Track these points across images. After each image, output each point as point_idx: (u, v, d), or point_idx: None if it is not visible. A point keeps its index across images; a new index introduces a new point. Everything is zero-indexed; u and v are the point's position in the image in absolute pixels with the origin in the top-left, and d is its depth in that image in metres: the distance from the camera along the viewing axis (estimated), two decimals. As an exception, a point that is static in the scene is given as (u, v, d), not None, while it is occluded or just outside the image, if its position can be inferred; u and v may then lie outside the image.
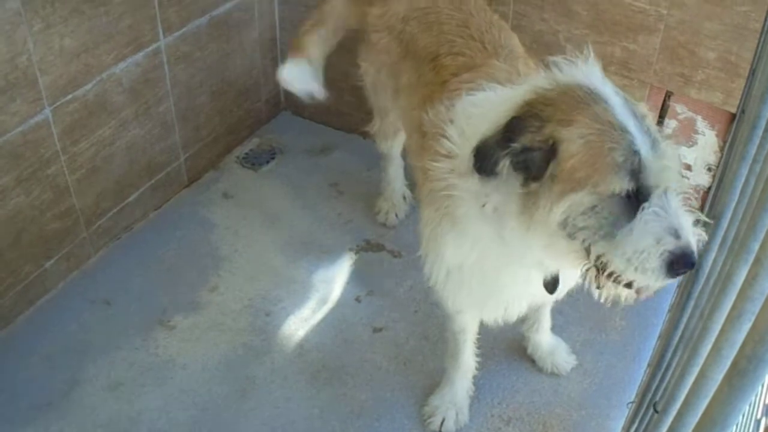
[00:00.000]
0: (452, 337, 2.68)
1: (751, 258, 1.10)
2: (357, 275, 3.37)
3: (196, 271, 3.34)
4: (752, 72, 2.67)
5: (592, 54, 1.96)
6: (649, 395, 2.03)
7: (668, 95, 3.19)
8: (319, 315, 3.18)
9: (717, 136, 3.18)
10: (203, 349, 3.02)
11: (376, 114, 3.24)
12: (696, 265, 1.80)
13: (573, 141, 1.76)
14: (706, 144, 3.22)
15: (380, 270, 3.39)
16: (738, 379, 0.90)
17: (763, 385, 1.50)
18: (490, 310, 2.44)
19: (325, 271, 3.38)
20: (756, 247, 1.10)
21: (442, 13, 2.66)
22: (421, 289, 3.23)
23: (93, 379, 2.89)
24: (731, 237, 1.73)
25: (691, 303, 2.04)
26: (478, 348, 2.76)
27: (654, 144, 1.76)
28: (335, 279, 3.35)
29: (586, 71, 1.89)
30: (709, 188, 3.28)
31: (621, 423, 2.72)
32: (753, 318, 0.95)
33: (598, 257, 1.84)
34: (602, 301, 1.96)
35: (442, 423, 2.76)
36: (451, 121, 2.11)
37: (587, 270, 1.92)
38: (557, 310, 2.97)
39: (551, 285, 2.16)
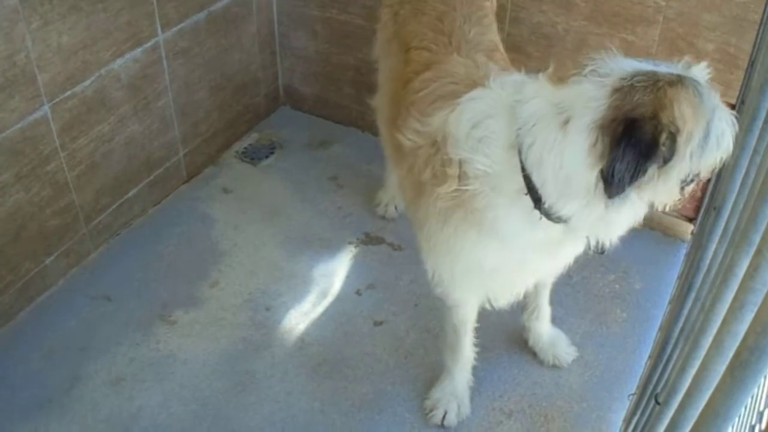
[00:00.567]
0: (452, 329, 2.68)
1: (752, 249, 1.10)
2: (357, 269, 3.37)
3: (196, 266, 3.34)
4: (751, 63, 2.67)
5: (612, 48, 1.99)
6: (651, 387, 2.03)
7: (667, 87, 3.18)
8: (320, 309, 3.18)
9: (716, 127, 3.18)
10: (204, 344, 3.02)
11: (378, 87, 3.22)
12: None
13: (683, 112, 1.82)
14: (706, 135, 3.21)
15: (380, 263, 3.39)
16: (740, 370, 0.90)
17: (765, 377, 1.50)
18: (503, 296, 2.49)
19: (325, 265, 3.38)
20: (757, 238, 1.10)
21: (429, 2, 2.67)
22: (422, 282, 3.22)
23: (93, 375, 2.89)
24: (732, 228, 1.73)
25: (692, 295, 2.05)
26: (478, 341, 2.76)
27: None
28: (335, 273, 3.35)
29: (623, 62, 1.92)
30: (709, 180, 3.28)
31: (622, 415, 2.72)
32: (755, 309, 0.95)
33: (691, 177, 1.95)
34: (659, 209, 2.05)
35: (444, 416, 2.76)
36: (456, 145, 2.08)
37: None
38: (558, 302, 2.97)
39: (601, 248, 2.18)
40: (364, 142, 3.99)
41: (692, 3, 2.96)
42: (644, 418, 1.85)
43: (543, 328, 2.95)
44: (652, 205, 1.99)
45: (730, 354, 1.00)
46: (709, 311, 1.36)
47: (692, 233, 3.32)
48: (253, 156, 3.97)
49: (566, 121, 1.88)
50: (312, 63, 4.08)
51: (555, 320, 2.99)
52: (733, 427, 1.56)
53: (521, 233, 2.09)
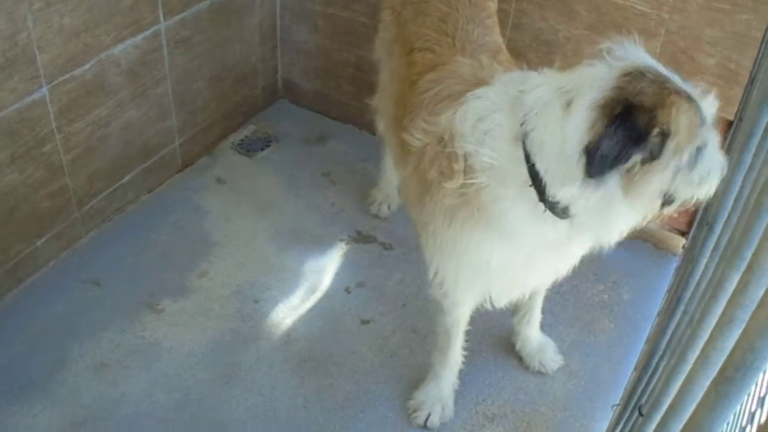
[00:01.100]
0: (444, 331, 2.67)
1: (743, 265, 1.10)
2: (347, 266, 3.37)
3: (186, 256, 3.34)
4: (751, 80, 2.67)
5: (634, 36, 2.03)
6: (635, 398, 2.03)
7: (666, 100, 3.18)
8: (308, 304, 3.18)
9: (713, 142, 3.18)
10: (190, 334, 3.02)
11: (379, 88, 3.23)
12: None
13: (679, 118, 1.85)
14: (702, 150, 3.22)
15: (371, 262, 3.39)
16: (725, 386, 0.90)
17: (749, 394, 1.50)
18: (505, 296, 2.50)
19: (316, 261, 3.38)
20: (749, 254, 1.10)
21: (431, 4, 2.67)
22: (411, 282, 3.23)
23: (78, 359, 2.88)
24: (723, 244, 1.73)
25: (681, 308, 2.05)
26: (465, 343, 2.76)
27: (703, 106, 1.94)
28: (325, 269, 3.35)
29: (638, 53, 1.98)
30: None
31: (605, 425, 2.72)
32: (743, 326, 0.95)
33: (669, 196, 1.98)
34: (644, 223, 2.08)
35: (427, 417, 2.76)
36: (462, 140, 2.09)
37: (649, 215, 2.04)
38: (547, 310, 2.97)
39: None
40: (361, 139, 3.99)
41: (695, 17, 2.96)
42: (627, 429, 1.85)
43: (532, 334, 2.96)
44: (638, 214, 2.00)
45: (716, 369, 1.00)
46: (697, 326, 1.36)
47: (684, 247, 3.32)
48: (248, 148, 3.97)
49: (569, 103, 1.90)
50: (312, 58, 4.08)
51: (543, 327, 3.00)
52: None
53: (527, 228, 2.09)
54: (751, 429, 1.50)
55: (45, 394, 2.76)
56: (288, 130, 4.12)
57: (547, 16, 3.26)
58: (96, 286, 3.16)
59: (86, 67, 3.00)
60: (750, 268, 0.94)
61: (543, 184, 1.95)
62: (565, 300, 3.23)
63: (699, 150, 1.91)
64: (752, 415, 1.53)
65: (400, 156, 2.53)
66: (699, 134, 1.88)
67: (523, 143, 1.96)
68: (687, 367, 1.31)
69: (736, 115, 2.91)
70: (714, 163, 1.95)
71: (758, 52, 2.74)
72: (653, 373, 1.99)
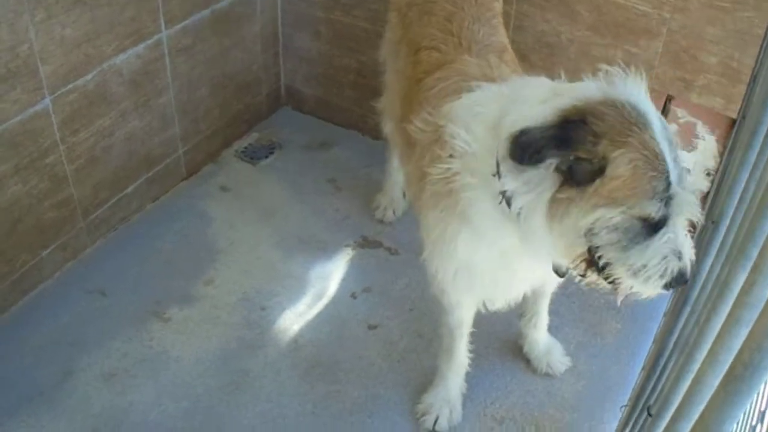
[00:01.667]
0: (448, 332, 2.67)
1: (750, 264, 1.10)
2: (353, 271, 3.37)
3: (192, 264, 3.34)
4: (754, 78, 2.67)
5: (641, 72, 1.98)
6: (643, 399, 2.03)
7: (669, 99, 3.19)
8: (314, 310, 3.18)
9: (717, 141, 3.18)
10: (197, 342, 3.02)
11: (385, 90, 3.23)
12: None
13: (623, 164, 1.81)
14: (706, 149, 3.22)
15: (377, 267, 3.39)
16: (734, 385, 0.90)
17: (758, 393, 1.50)
18: (497, 299, 2.49)
19: (322, 267, 3.38)
20: (755, 253, 1.10)
21: (437, 4, 2.68)
22: (417, 286, 3.23)
23: (86, 369, 2.89)
24: (729, 242, 1.73)
25: (688, 308, 2.05)
26: (472, 347, 2.76)
27: (681, 175, 1.85)
28: (331, 275, 3.35)
29: (635, 90, 1.92)
30: (708, 193, 3.28)
31: (614, 426, 2.72)
32: (750, 325, 0.95)
33: (606, 262, 1.93)
34: (584, 286, 2.09)
35: (435, 421, 2.76)
36: (451, 122, 2.11)
37: (581, 264, 2.00)
38: (553, 311, 2.97)
39: (562, 272, 2.19)
40: (364, 145, 3.99)
41: (696, 16, 2.96)
42: (636, 430, 1.85)
43: (539, 336, 2.95)
44: (558, 244, 1.99)
45: (724, 368, 0.99)
46: (704, 325, 1.36)
47: (689, 246, 3.31)
48: (252, 155, 3.97)
49: (545, 101, 1.92)
50: (314, 64, 4.08)
51: (550, 329, 2.99)
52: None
53: (492, 222, 2.08)
54: (761, 428, 1.49)
55: (53, 405, 2.76)
56: (291, 136, 4.12)
57: (549, 17, 3.26)
58: (102, 296, 3.16)
59: (88, 77, 3.00)
60: (756, 267, 0.94)
61: (500, 171, 1.96)
62: (571, 301, 3.22)
63: (647, 226, 1.86)
64: (762, 414, 1.52)
65: (405, 152, 2.53)
66: (646, 203, 1.83)
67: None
68: (695, 367, 1.31)
69: (739, 113, 2.91)
70: (665, 258, 1.89)
71: (760, 50, 2.74)
72: (661, 374, 1.99)
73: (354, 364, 2.98)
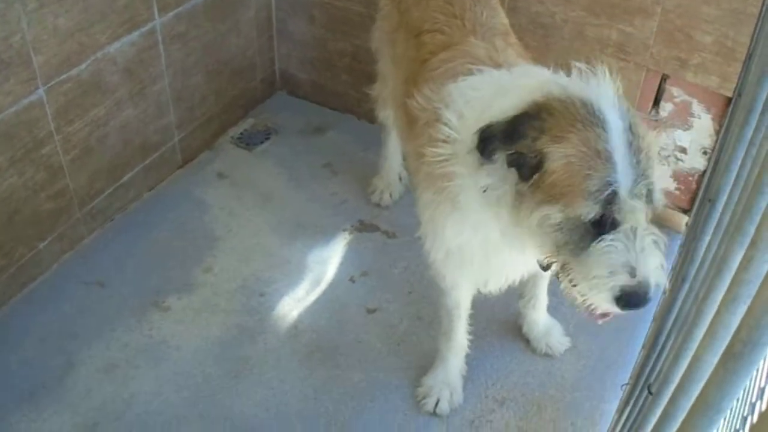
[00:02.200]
0: (446, 313, 2.68)
1: (747, 241, 1.10)
2: (351, 256, 3.37)
3: (190, 252, 3.34)
4: (749, 56, 2.66)
5: (611, 72, 1.98)
6: (644, 377, 2.03)
7: (664, 78, 3.18)
8: (313, 296, 3.18)
9: (713, 119, 3.18)
10: (197, 330, 3.02)
11: (378, 78, 3.23)
12: (647, 304, 1.92)
13: (557, 159, 1.83)
14: (702, 127, 3.22)
15: (374, 250, 3.39)
16: (733, 362, 0.90)
17: (758, 369, 1.50)
18: (489, 283, 2.49)
19: (319, 252, 3.38)
20: (752, 230, 1.10)
21: None
22: (415, 269, 3.23)
23: (87, 361, 2.89)
24: (726, 220, 1.73)
25: (686, 286, 2.05)
26: (472, 329, 2.77)
27: (636, 181, 1.81)
28: (329, 259, 3.35)
29: (599, 89, 1.91)
30: (704, 171, 3.28)
31: (615, 405, 2.72)
32: (748, 302, 0.95)
33: (564, 264, 1.96)
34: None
35: (436, 404, 2.77)
36: (447, 105, 2.12)
37: (555, 267, 2.03)
38: (551, 292, 2.97)
39: (543, 266, 2.19)
40: (360, 129, 3.99)
41: (690, -6, 2.95)
42: (637, 408, 1.85)
43: (538, 317, 2.96)
44: (522, 237, 2.01)
45: (723, 346, 1.00)
46: (703, 303, 1.36)
47: (687, 224, 3.32)
48: (248, 141, 3.97)
49: (521, 95, 1.95)
50: (309, 49, 4.07)
51: (549, 309, 2.99)
52: (725, 419, 1.57)
53: (478, 211, 2.09)
54: (761, 405, 1.50)
55: (55, 398, 2.76)
56: (287, 122, 4.11)
57: (543, -2, 3.25)
58: (101, 287, 3.16)
59: (82, 66, 2.99)
60: (754, 244, 0.94)
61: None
62: (571, 282, 3.22)
63: (593, 230, 1.86)
64: (762, 391, 1.53)
65: (406, 129, 2.53)
66: (579, 203, 1.82)
67: None
68: (694, 345, 1.31)
69: (734, 91, 2.90)
70: (612, 273, 1.86)
71: (755, 28, 2.73)
72: (661, 352, 1.99)
73: (354, 348, 2.98)
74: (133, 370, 2.87)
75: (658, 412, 1.48)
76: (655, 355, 2.05)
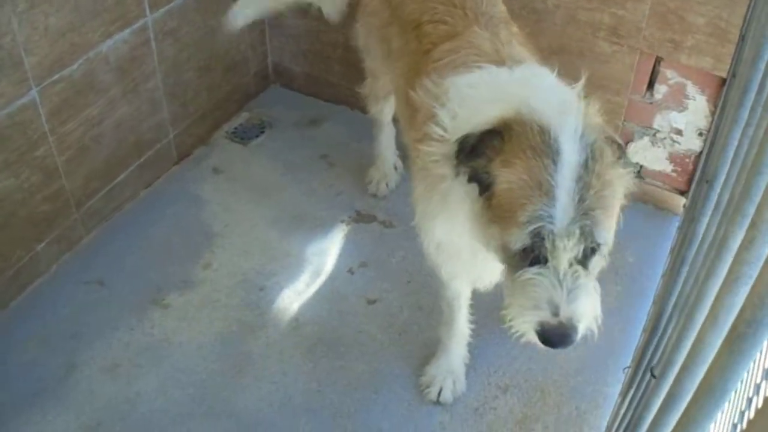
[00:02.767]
0: (446, 304, 2.68)
1: (746, 222, 1.10)
2: (349, 247, 3.37)
3: (188, 249, 3.34)
4: (742, 37, 2.66)
5: (587, 103, 1.98)
6: (646, 360, 2.04)
7: (658, 61, 3.18)
8: (313, 288, 3.19)
9: (707, 100, 3.18)
10: (198, 327, 3.02)
11: (368, 75, 3.23)
12: (568, 345, 1.96)
13: (502, 183, 1.84)
14: (697, 109, 3.21)
15: (372, 241, 3.39)
16: (737, 343, 0.90)
17: (761, 351, 1.50)
18: (482, 278, 2.48)
19: (318, 244, 3.38)
20: (751, 211, 1.10)
21: None
22: (414, 259, 3.23)
23: (89, 361, 2.89)
24: (725, 201, 1.73)
25: (686, 268, 2.05)
26: (473, 317, 2.77)
27: (574, 220, 1.79)
28: (328, 251, 3.35)
29: (563, 119, 1.87)
30: (701, 152, 3.28)
31: (618, 388, 2.73)
32: (750, 282, 0.95)
33: (504, 283, 2.00)
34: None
35: (439, 392, 2.78)
36: (442, 104, 2.10)
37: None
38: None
39: None
40: (355, 119, 3.98)
41: (682, -25, 2.95)
42: (640, 392, 1.85)
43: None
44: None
45: (725, 327, 1.00)
46: (703, 284, 1.36)
47: (684, 206, 3.32)
48: (243, 136, 3.96)
49: (494, 105, 1.96)
50: (301, 41, 4.06)
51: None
52: (729, 400, 1.57)
53: (464, 216, 2.09)
54: (766, 386, 1.50)
55: (59, 399, 2.76)
56: (282, 115, 4.10)
57: (534, -17, 3.24)
58: (100, 287, 3.15)
59: (75, 66, 2.98)
60: (754, 224, 0.94)
61: None
62: (570, 266, 3.23)
63: (525, 258, 1.86)
64: (766, 373, 1.53)
65: (408, 121, 2.52)
66: (511, 230, 1.82)
67: None
68: (696, 327, 1.31)
69: (729, 72, 2.90)
70: (536, 307, 1.87)
71: (748, 8, 2.73)
72: (663, 335, 1.99)
73: (356, 339, 2.99)
74: (136, 369, 2.87)
75: (662, 395, 1.48)
76: (657, 338, 2.05)
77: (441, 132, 2.06)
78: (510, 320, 1.96)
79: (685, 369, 1.20)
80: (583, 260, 1.88)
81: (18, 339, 2.94)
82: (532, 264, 1.85)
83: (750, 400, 1.54)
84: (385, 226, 3.46)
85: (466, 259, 2.33)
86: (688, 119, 3.25)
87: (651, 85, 3.25)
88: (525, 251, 1.83)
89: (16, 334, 2.96)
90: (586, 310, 1.91)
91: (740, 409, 1.59)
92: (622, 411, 2.09)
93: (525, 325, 1.91)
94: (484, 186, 1.89)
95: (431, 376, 2.81)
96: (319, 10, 3.38)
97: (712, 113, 3.17)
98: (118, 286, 3.16)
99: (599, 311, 1.97)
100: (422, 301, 3.10)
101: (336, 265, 3.29)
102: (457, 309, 2.68)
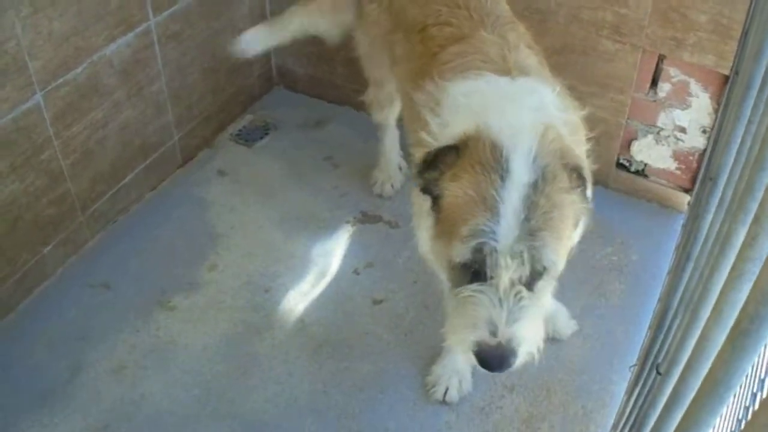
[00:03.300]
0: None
1: (750, 219, 1.10)
2: (355, 247, 3.37)
3: (193, 251, 3.34)
4: (745, 33, 2.66)
5: (574, 130, 2.04)
6: (651, 358, 2.04)
7: (661, 59, 3.18)
8: (318, 289, 3.19)
9: (711, 98, 3.18)
10: (204, 329, 3.03)
11: (371, 84, 3.24)
12: (506, 368, 1.90)
13: (449, 197, 1.84)
14: (700, 106, 3.21)
15: (378, 241, 3.39)
16: (741, 339, 0.90)
17: (766, 345, 1.51)
18: None
19: (323, 245, 3.38)
20: (754, 207, 1.10)
21: None
22: (419, 259, 3.22)
23: (96, 363, 2.89)
24: (728, 198, 1.73)
25: (690, 265, 2.05)
26: (479, 317, 2.76)
27: (518, 238, 1.77)
28: (333, 252, 3.35)
29: (517, 137, 1.86)
30: (705, 150, 3.28)
31: (623, 387, 2.73)
32: (753, 278, 0.95)
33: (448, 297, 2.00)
34: None
35: (446, 392, 2.78)
36: (436, 113, 2.10)
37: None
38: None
39: None
40: (359, 120, 3.98)
41: (684, -27, 2.95)
42: (646, 389, 1.85)
43: (544, 302, 2.96)
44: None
45: (730, 323, 1.00)
46: (708, 281, 1.36)
47: (689, 204, 3.32)
48: (247, 138, 3.96)
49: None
50: (305, 42, 4.04)
51: (554, 293, 2.99)
52: (734, 395, 1.57)
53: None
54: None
55: (65, 402, 2.77)
56: (286, 116, 4.11)
57: (537, -18, 3.24)
58: (106, 290, 3.16)
59: (79, 70, 2.99)
60: (757, 220, 0.94)
61: None
62: (573, 264, 3.21)
63: (466, 275, 1.85)
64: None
65: (411, 122, 2.52)
66: (453, 245, 1.81)
67: None
68: (701, 323, 1.31)
69: (731, 69, 2.90)
70: (474, 326, 1.84)
71: (750, 5, 2.73)
72: (668, 332, 1.99)
73: (361, 340, 2.99)
74: (142, 370, 2.88)
75: (668, 392, 1.48)
76: (662, 335, 2.06)
77: (430, 140, 2.06)
78: (447, 339, 1.95)
79: (690, 365, 1.20)
80: (530, 283, 1.86)
81: (24, 342, 2.95)
82: (472, 281, 1.83)
83: (754, 395, 1.54)
84: (390, 226, 3.46)
85: None
86: (691, 117, 3.25)
87: (654, 83, 3.25)
88: (466, 266, 1.82)
89: (23, 336, 2.96)
90: (527, 334, 1.87)
91: (744, 404, 1.59)
92: (629, 409, 2.09)
93: (462, 344, 1.87)
94: (434, 199, 1.91)
95: (437, 375, 2.81)
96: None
97: (716, 110, 3.17)
98: (123, 288, 3.17)
99: (541, 338, 1.93)
100: (428, 301, 3.10)
101: (341, 266, 3.29)
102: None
